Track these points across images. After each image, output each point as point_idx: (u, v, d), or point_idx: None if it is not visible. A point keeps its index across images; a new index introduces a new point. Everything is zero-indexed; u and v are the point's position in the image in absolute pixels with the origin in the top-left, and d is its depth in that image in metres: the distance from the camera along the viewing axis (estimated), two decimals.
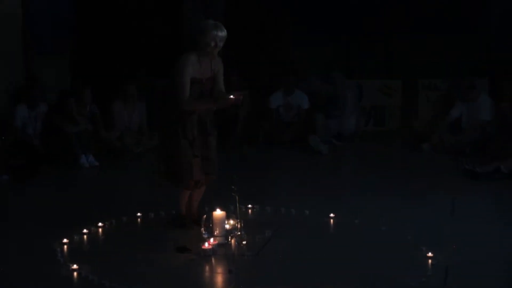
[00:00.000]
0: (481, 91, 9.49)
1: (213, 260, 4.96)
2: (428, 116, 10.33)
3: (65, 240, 5.33)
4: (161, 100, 5.64)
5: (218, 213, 5.18)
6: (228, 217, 5.24)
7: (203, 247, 5.01)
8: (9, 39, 9.40)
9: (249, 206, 6.29)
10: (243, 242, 5.16)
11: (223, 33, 5.38)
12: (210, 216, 5.17)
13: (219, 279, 4.79)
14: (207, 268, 4.88)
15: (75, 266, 4.71)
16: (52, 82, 10.18)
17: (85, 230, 5.62)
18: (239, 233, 5.19)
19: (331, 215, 5.99)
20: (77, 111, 9.06)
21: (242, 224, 5.21)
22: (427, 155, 9.20)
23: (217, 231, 5.15)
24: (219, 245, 5.09)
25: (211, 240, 5.09)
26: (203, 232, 5.16)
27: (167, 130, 5.53)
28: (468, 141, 9.02)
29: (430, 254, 4.87)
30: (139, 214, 6.12)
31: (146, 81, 10.49)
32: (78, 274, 4.66)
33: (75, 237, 5.48)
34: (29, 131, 8.87)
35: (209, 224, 5.15)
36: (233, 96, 5.38)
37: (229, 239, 5.17)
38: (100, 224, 5.80)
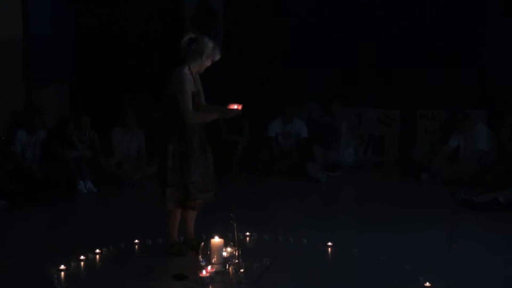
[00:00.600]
0: (478, 122, 9.53)
1: None
2: (426, 146, 10.38)
3: (62, 267, 5.31)
4: (165, 123, 5.61)
5: (216, 240, 5.18)
6: (226, 244, 5.24)
7: (200, 274, 5.00)
8: (9, 66, 9.46)
9: (247, 234, 6.28)
10: (241, 270, 5.16)
11: (219, 55, 5.59)
12: (208, 243, 5.17)
13: None
14: None
15: None
16: (52, 108, 10.22)
17: (82, 257, 5.60)
18: (236, 261, 5.18)
19: (329, 243, 5.99)
20: (76, 137, 9.10)
21: (240, 252, 5.21)
22: (425, 185, 9.22)
23: (215, 259, 5.15)
24: (216, 273, 5.08)
25: (209, 267, 5.08)
26: (201, 259, 5.15)
27: (175, 151, 5.52)
28: (466, 171, 9.04)
29: (427, 284, 4.86)
30: (136, 240, 6.11)
31: (145, 108, 10.54)
32: None
33: (72, 264, 5.46)
34: (28, 157, 8.89)
35: (207, 251, 5.15)
36: (236, 106, 5.50)
37: (227, 267, 5.17)
38: (97, 250, 5.79)
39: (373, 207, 7.90)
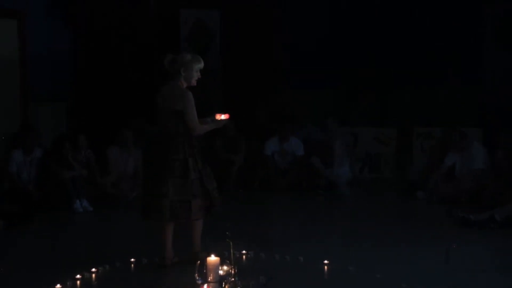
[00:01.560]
0: (474, 140, 9.55)
1: None
2: (422, 165, 10.39)
3: (58, 286, 5.29)
4: (174, 139, 5.68)
5: (212, 259, 5.16)
6: (222, 263, 5.22)
7: None
8: (6, 85, 9.48)
9: (244, 252, 6.28)
10: None
11: (202, 64, 5.83)
12: (204, 262, 5.16)
13: None
14: None
15: None
16: (48, 127, 10.22)
17: (78, 276, 5.59)
18: (233, 279, 5.16)
19: (326, 261, 5.98)
20: (72, 156, 9.09)
21: (236, 270, 5.19)
22: (421, 203, 9.22)
23: (211, 277, 5.12)
24: None
25: (205, 286, 5.06)
26: (197, 278, 5.13)
27: (194, 163, 5.68)
28: (462, 189, 9.04)
29: None
30: (132, 259, 6.10)
31: (142, 127, 10.54)
32: None
33: (68, 283, 5.44)
34: (23, 176, 8.88)
35: (203, 270, 5.13)
36: (223, 116, 5.87)
37: (223, 285, 5.14)
38: (93, 269, 5.77)
39: (369, 225, 7.89)
